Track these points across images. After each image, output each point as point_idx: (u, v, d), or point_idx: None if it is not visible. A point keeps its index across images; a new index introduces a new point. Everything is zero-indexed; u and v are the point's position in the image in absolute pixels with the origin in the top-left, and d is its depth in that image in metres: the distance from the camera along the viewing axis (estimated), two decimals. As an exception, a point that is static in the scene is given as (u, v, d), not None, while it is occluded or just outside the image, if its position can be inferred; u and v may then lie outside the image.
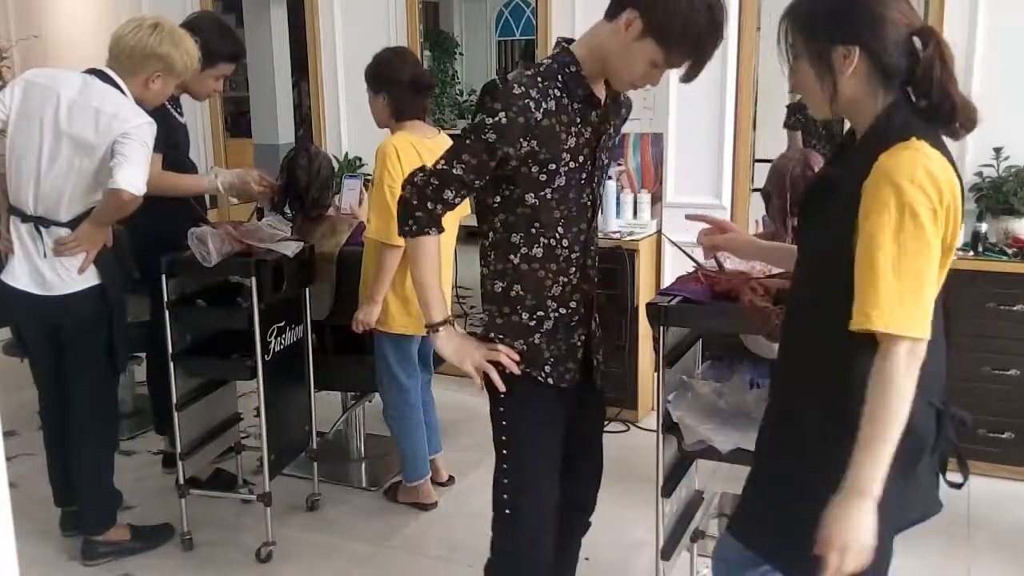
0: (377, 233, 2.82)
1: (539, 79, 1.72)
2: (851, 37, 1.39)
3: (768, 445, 1.62)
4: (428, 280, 1.82)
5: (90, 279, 2.64)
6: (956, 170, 1.39)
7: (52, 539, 2.93)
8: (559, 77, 1.74)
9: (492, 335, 1.86)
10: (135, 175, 2.47)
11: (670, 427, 2.13)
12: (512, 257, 1.82)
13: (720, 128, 3.86)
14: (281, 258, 2.75)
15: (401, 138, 2.86)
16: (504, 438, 1.87)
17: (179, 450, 2.82)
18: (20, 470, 3.22)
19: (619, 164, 4.06)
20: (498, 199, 1.81)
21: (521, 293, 1.84)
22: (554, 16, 4.10)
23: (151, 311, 3.06)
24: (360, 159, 4.58)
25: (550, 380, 1.86)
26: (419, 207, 1.77)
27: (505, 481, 1.88)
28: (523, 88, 1.70)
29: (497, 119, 1.68)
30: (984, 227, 3.30)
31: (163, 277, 2.69)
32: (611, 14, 1.72)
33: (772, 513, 1.56)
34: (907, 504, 1.49)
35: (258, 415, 2.80)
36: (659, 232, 4.02)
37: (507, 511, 1.88)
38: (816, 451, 1.47)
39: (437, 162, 1.77)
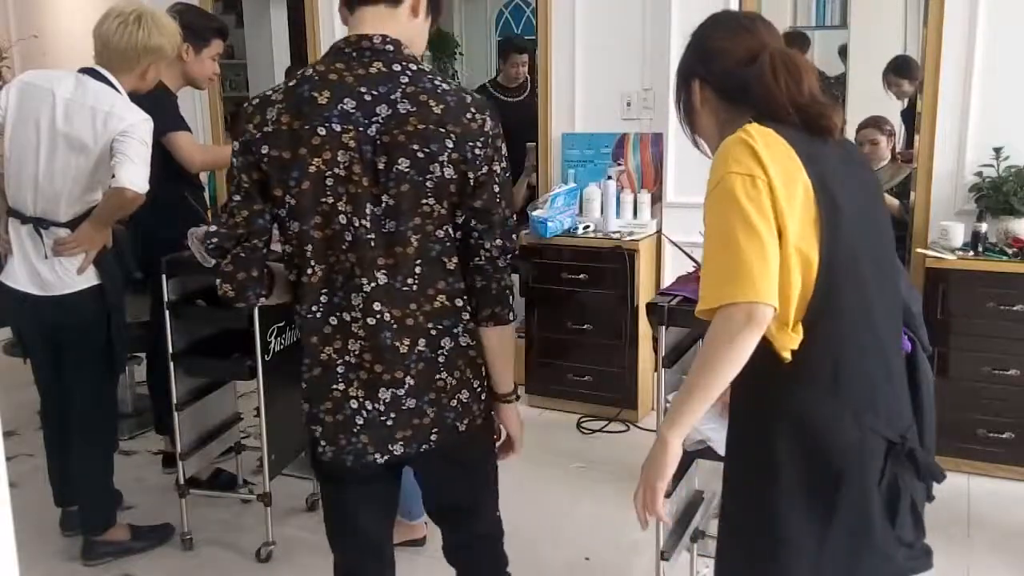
0: None
1: None
2: (692, 73, 1.51)
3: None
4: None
5: (89, 279, 2.65)
6: (802, 150, 1.33)
7: (52, 539, 2.92)
8: None
9: None
10: (137, 173, 2.48)
11: (670, 427, 2.12)
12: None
13: (720, 128, 3.85)
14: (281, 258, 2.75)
15: None
16: None
17: (179, 450, 2.83)
18: (20, 470, 3.23)
19: (619, 164, 4.06)
20: None
21: None
22: (554, 16, 4.09)
23: (151, 311, 3.06)
24: (360, 159, 4.58)
25: None
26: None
27: None
28: None
29: None
30: (984, 227, 3.30)
31: (163, 277, 2.69)
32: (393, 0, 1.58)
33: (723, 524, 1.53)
34: (840, 558, 1.36)
35: (258, 415, 2.80)
36: (659, 232, 4.02)
37: None
38: (737, 450, 1.46)
39: (507, 213, 1.61)
